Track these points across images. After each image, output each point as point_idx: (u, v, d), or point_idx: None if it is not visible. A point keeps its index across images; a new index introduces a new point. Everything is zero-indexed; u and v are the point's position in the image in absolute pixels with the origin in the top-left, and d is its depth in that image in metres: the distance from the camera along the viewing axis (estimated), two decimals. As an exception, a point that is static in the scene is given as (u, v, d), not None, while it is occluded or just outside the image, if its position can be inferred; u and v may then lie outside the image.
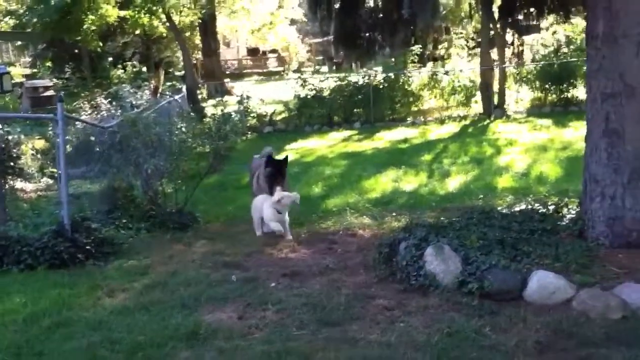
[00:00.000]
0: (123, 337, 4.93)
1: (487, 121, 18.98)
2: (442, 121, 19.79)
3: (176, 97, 18.15)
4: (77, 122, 10.43)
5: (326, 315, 5.10)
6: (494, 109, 19.98)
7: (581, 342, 4.48)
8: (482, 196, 9.39)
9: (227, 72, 40.52)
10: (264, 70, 45.13)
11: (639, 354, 4.26)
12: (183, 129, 10.29)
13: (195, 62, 34.70)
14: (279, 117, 21.62)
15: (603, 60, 6.09)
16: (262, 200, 8.18)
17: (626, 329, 4.64)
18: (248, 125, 17.89)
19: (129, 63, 29.08)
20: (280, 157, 9.16)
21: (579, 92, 19.38)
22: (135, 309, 5.59)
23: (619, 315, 4.84)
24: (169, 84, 23.97)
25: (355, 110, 20.82)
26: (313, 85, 21.13)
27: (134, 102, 16.22)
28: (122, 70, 28.46)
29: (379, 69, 22.73)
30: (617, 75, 5.99)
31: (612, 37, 5.96)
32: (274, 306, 5.47)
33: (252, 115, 20.26)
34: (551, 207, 7.12)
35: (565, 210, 7.02)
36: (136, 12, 26.07)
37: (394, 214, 8.79)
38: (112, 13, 26.74)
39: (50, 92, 24.07)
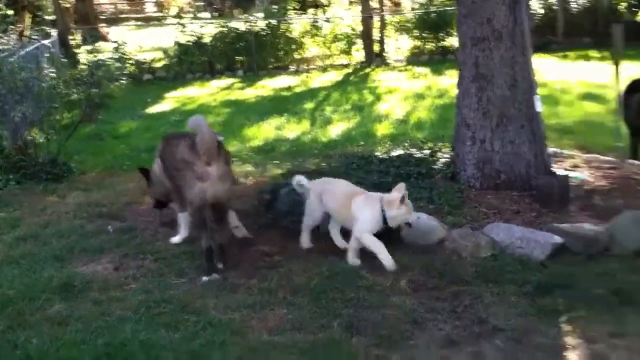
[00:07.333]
0: (-9, 293, 4.69)
1: (368, 69, 19.25)
2: (324, 69, 19.87)
3: (45, 42, 17.10)
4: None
5: (205, 263, 5.04)
6: (375, 57, 20.30)
7: (452, 280, 4.68)
8: (362, 143, 9.54)
9: (102, 17, 38.65)
10: (142, 16, 43.31)
11: (506, 289, 4.51)
12: (52, 75, 9.77)
13: (67, 5, 32.83)
14: (158, 65, 20.90)
15: (472, 5, 6.25)
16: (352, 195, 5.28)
17: (494, 267, 4.88)
18: (126, 72, 17.29)
19: (-7, 5, 27.07)
20: None
21: (456, 40, 19.92)
22: (4, 262, 5.34)
23: (488, 254, 5.08)
24: (37, 28, 22.41)
25: (237, 58, 20.45)
26: (193, 31, 20.50)
27: (-2, 47, 15.20)
28: (-14, 13, 26.49)
29: (260, 15, 22.35)
30: (485, 19, 6.17)
31: (481, -18, 6.13)
32: (152, 255, 5.38)
33: (129, 62, 19.53)
34: (426, 152, 7.35)
35: (439, 154, 7.27)
36: (-1, -51, 24.06)
37: (276, 161, 8.77)
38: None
39: None
